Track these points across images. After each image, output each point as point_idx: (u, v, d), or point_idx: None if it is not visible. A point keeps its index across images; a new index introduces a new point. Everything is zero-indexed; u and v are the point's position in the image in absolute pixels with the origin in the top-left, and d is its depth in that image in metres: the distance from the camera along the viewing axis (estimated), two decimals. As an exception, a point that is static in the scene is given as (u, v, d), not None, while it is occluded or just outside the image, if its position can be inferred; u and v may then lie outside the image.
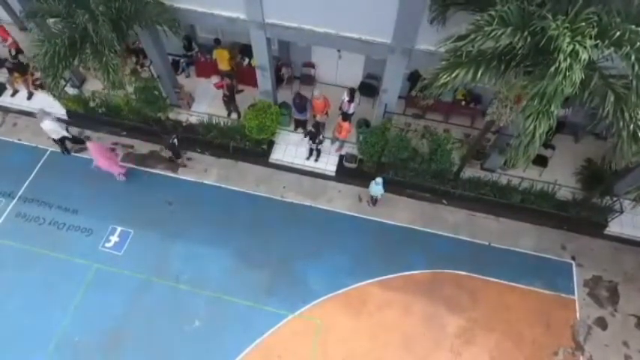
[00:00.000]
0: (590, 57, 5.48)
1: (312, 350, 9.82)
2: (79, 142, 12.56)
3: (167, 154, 12.42)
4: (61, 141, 12.18)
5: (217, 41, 12.90)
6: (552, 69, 5.36)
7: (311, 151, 12.08)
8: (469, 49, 6.24)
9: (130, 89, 11.43)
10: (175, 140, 11.80)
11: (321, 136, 11.64)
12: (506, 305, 10.43)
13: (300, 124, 12.70)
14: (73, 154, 12.62)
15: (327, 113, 12.04)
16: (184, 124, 12.67)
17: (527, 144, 6.02)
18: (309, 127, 11.79)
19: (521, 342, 9.98)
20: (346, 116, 11.39)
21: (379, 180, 10.72)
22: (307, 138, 11.73)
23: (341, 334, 10.03)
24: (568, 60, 5.27)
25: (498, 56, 6.39)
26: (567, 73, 5.26)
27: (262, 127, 11.42)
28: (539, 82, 5.75)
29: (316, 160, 12.16)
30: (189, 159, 12.61)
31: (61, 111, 13.10)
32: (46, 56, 8.29)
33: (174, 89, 12.55)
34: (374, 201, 11.57)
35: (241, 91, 13.20)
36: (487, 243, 11.27)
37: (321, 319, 10.17)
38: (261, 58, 10.86)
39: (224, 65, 12.83)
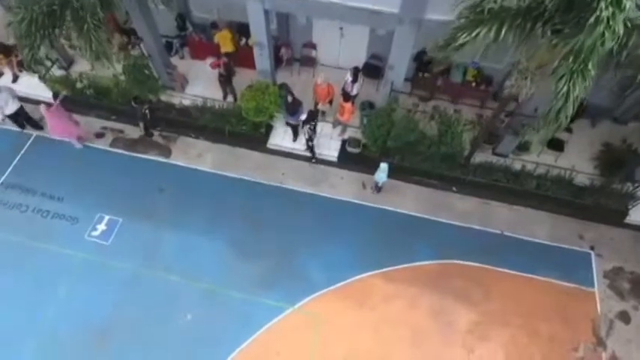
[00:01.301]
0: (630, 7, 4.76)
1: (313, 346, 9.12)
2: (35, 126, 11.93)
3: (141, 128, 11.61)
4: (13, 118, 11.50)
5: (214, 25, 12.20)
6: (592, 19, 4.64)
7: (297, 134, 11.39)
8: (491, 6, 5.53)
9: (119, 68, 10.69)
10: (147, 111, 10.97)
11: (312, 126, 10.65)
12: (521, 298, 9.71)
13: (292, 129, 11.55)
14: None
15: (330, 102, 11.26)
16: (177, 106, 11.96)
17: (560, 109, 5.31)
18: (306, 129, 10.69)
19: (539, 337, 9.27)
20: (348, 97, 10.66)
21: (384, 166, 10.02)
22: (306, 127, 10.77)
23: (343, 329, 9.33)
24: (610, 8, 4.56)
25: (524, 13, 5.67)
26: (609, 23, 4.55)
27: (260, 109, 10.70)
28: (573, 38, 5.04)
29: (311, 148, 11.31)
30: (164, 136, 11.87)
31: (47, 94, 12.40)
32: (22, 24, 7.56)
33: (167, 70, 11.83)
34: (378, 188, 10.86)
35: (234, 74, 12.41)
36: (500, 232, 10.56)
37: (322, 313, 9.47)
38: (258, 33, 10.15)
39: (228, 47, 12.03)
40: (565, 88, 5.15)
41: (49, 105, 10.81)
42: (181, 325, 9.30)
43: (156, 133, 11.90)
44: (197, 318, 9.39)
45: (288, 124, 11.42)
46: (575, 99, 5.19)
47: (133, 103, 10.98)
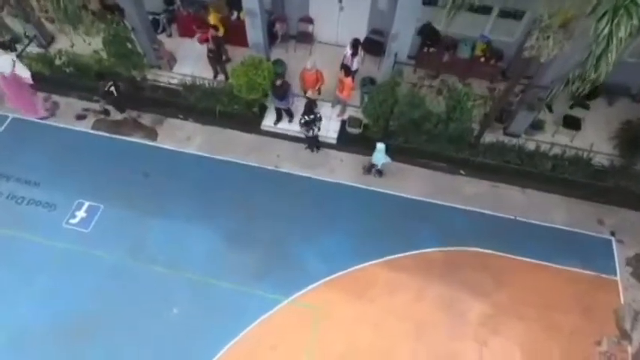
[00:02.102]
0: None
1: (310, 340, 8.33)
2: None
3: (101, 105, 10.77)
4: None
5: (205, 7, 11.39)
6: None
7: (280, 116, 10.61)
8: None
9: (99, 43, 9.87)
10: (113, 88, 10.12)
11: (318, 124, 9.71)
12: (536, 288, 8.93)
13: (281, 115, 10.76)
14: None
15: (319, 90, 10.34)
16: (164, 86, 11.13)
17: (600, 54, 4.50)
18: (303, 118, 9.60)
19: (557, 331, 8.49)
20: (349, 71, 9.82)
21: (381, 146, 9.20)
22: (303, 129, 9.78)
23: (343, 322, 8.54)
24: None
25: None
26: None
27: (252, 86, 9.86)
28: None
29: (316, 141, 10.39)
30: (137, 118, 11.07)
31: (25, 73, 11.56)
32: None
33: (153, 46, 10.99)
34: (378, 172, 10.06)
35: (228, 60, 11.58)
36: (512, 217, 9.76)
37: (320, 305, 8.68)
38: (250, 1, 9.31)
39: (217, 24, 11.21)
40: (607, 29, 4.35)
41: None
42: (167, 319, 8.50)
43: (129, 115, 11.06)
44: (184, 311, 8.59)
45: (278, 109, 10.59)
46: (620, 42, 4.38)
47: (97, 80, 10.20)
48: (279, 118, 10.79)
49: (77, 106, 11.37)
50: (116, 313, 8.52)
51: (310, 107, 9.48)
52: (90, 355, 8.13)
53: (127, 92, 10.79)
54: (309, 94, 10.14)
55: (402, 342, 8.36)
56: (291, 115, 10.73)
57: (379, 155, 9.36)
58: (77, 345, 8.21)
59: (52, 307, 8.55)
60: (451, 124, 9.12)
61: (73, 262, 9.05)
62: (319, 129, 9.75)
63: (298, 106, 10.53)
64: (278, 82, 9.69)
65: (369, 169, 10.04)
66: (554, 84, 8.50)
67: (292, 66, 11.33)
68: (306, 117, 9.40)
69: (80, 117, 11.22)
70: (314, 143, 10.37)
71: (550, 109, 10.44)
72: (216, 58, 10.89)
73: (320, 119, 9.59)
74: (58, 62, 10.85)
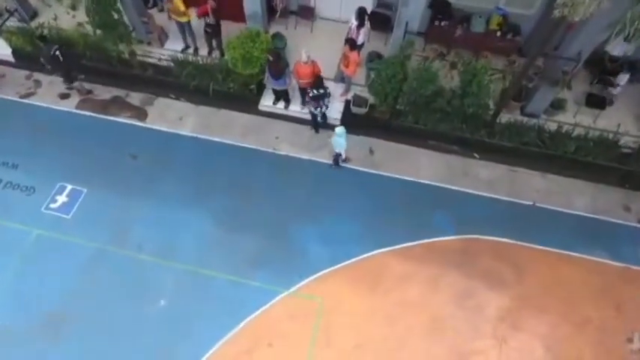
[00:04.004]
0: None
1: (312, 337, 7.54)
2: None
3: (46, 65, 9.78)
4: None
5: None
6: None
7: (279, 97, 9.77)
8: None
9: (83, 13, 9.07)
10: (58, 52, 9.26)
11: (327, 101, 8.84)
12: (560, 280, 8.15)
13: (279, 96, 9.82)
14: None
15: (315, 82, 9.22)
16: (154, 62, 10.31)
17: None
18: (312, 91, 8.62)
19: (584, 326, 7.71)
20: (354, 45, 9.02)
21: (340, 129, 8.25)
22: (311, 104, 8.85)
23: (349, 316, 7.76)
24: None
25: None
26: None
27: (249, 59, 9.06)
28: None
29: (323, 117, 9.61)
30: (89, 91, 10.33)
31: (6, 50, 10.77)
32: None
33: (142, 19, 10.17)
34: (337, 160, 9.08)
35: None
36: (531, 203, 8.98)
37: (324, 297, 7.90)
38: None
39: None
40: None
41: None
42: (153, 312, 7.72)
43: (81, 87, 10.25)
44: (172, 304, 7.81)
45: (273, 90, 9.73)
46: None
47: (39, 43, 9.38)
48: (277, 98, 9.99)
49: (61, 85, 10.55)
50: (95, 306, 7.75)
51: (321, 80, 8.67)
52: (64, 354, 7.35)
53: (74, 58, 9.92)
54: (303, 85, 9.16)
55: (418, 338, 7.59)
56: (287, 101, 9.92)
57: (340, 140, 8.40)
58: (51, 342, 7.43)
59: (24, 300, 7.79)
60: (466, 99, 8.31)
61: (51, 250, 8.27)
62: (327, 107, 8.95)
63: (293, 94, 9.83)
64: (271, 58, 8.81)
65: (336, 160, 9.10)
66: (583, 53, 7.79)
67: (292, 44, 10.53)
68: (315, 90, 8.58)
69: (64, 96, 10.41)
70: (320, 123, 9.57)
71: (569, 87, 9.66)
72: (215, 33, 10.05)
73: (329, 95, 8.79)
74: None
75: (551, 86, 8.35)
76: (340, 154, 8.91)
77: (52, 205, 8.78)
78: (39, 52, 9.59)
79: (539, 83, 8.75)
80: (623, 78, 9.34)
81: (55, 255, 8.22)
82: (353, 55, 8.96)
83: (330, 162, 9.21)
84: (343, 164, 9.28)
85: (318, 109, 8.86)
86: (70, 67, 9.88)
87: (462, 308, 7.85)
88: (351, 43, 8.94)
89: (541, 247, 8.46)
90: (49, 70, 9.99)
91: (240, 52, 8.95)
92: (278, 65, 8.89)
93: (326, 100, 8.81)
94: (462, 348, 7.53)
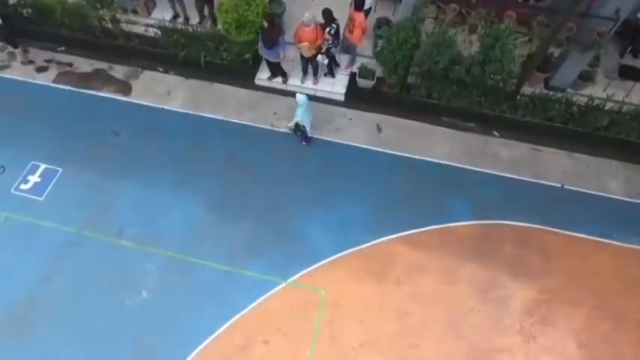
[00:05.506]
0: None
1: (314, 332, 6.64)
2: None
3: None
4: None
5: None
6: None
7: (274, 72, 8.94)
8: None
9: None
10: None
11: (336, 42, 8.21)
12: (594, 270, 7.24)
13: (273, 70, 8.93)
14: None
15: (319, 48, 8.28)
16: (140, 32, 9.37)
17: None
18: (331, 27, 8.01)
19: (623, 321, 6.81)
20: (360, 6, 8.05)
21: (301, 98, 7.43)
22: (332, 43, 8.16)
23: (355, 309, 6.86)
24: None
25: None
26: None
27: (243, 24, 8.11)
28: None
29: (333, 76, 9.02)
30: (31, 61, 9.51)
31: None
32: None
33: (126, -18, 9.25)
34: (304, 135, 8.15)
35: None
36: (559, 185, 8.07)
37: (327, 288, 7.00)
38: None
39: None
40: None
41: None
42: (134, 305, 6.83)
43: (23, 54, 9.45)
44: (155, 296, 6.91)
45: (267, 63, 8.81)
46: None
47: None
48: (273, 73, 9.05)
49: (39, 58, 9.63)
50: (67, 297, 6.87)
51: (330, 14, 7.91)
52: (28, 354, 6.46)
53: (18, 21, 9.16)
54: (305, 52, 8.29)
55: (433, 334, 6.70)
56: (284, 75, 8.99)
57: (303, 112, 7.51)
58: (16, 336, 6.53)
59: (-12, 291, 6.88)
60: (488, 66, 7.36)
61: (20, 235, 7.37)
62: (336, 46, 8.32)
63: (293, 66, 8.96)
64: (266, 24, 7.89)
65: (305, 134, 8.13)
66: (622, 11, 6.85)
67: (291, 11, 9.57)
68: (333, 25, 7.94)
69: (40, 69, 9.49)
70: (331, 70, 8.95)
71: (597, 58, 8.73)
72: (206, 1, 9.12)
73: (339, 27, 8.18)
74: (12, 1, 9.07)
75: (583, 52, 7.40)
76: (301, 127, 7.87)
77: (23, 187, 7.87)
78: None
79: (569, 48, 7.78)
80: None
81: (24, 239, 7.33)
82: (359, 17, 7.99)
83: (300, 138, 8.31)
84: (306, 144, 8.35)
85: (333, 48, 8.21)
86: (12, 30, 9.07)
87: (484, 302, 6.94)
88: (357, 2, 7.97)
89: (570, 233, 7.55)
90: None
91: (233, 15, 7.99)
92: (272, 33, 7.97)
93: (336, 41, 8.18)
94: (484, 347, 6.64)
